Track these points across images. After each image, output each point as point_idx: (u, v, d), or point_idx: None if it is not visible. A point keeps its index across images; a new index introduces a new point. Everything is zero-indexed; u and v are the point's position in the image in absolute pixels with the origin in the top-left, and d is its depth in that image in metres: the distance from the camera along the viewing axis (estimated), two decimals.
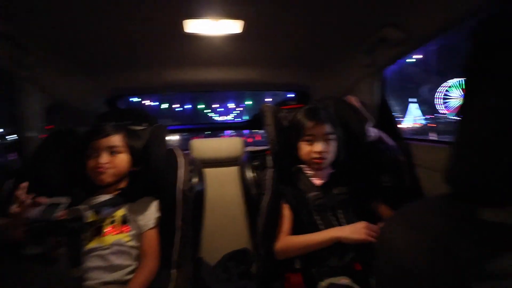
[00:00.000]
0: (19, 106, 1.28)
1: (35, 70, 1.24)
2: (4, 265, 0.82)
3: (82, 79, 1.53)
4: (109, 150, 1.07)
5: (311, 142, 1.14)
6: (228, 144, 1.77)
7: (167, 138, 1.22)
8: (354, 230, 0.97)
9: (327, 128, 1.14)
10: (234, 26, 1.16)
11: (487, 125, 0.42)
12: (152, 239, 1.06)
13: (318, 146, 1.12)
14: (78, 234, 0.97)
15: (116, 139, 1.09)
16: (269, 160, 1.34)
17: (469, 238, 0.41)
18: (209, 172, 1.65)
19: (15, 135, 1.31)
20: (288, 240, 1.08)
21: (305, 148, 1.15)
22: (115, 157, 1.08)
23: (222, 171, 1.75)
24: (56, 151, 1.14)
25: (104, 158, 1.05)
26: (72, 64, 1.39)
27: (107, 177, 1.05)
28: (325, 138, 1.14)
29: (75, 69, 1.44)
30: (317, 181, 1.18)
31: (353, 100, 1.49)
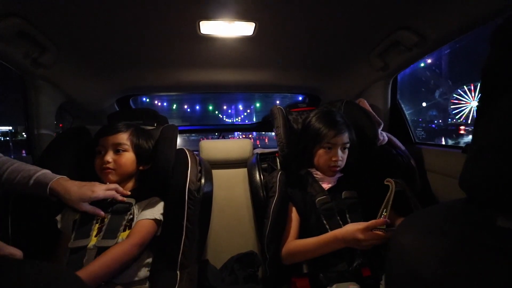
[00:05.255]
0: (32, 103, 1.30)
1: (50, 68, 1.25)
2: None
3: (95, 78, 1.54)
4: (114, 148, 1.08)
5: (329, 149, 1.14)
6: (237, 146, 1.76)
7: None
8: (352, 227, 0.94)
9: (347, 137, 1.14)
10: (247, 28, 1.16)
11: (505, 128, 0.40)
12: (142, 226, 1.01)
13: (337, 155, 1.13)
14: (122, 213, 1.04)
15: (123, 137, 1.10)
16: (278, 162, 1.32)
17: (485, 244, 0.40)
18: (217, 173, 1.65)
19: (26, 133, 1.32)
20: (294, 244, 1.07)
21: (323, 156, 1.15)
22: (120, 156, 1.08)
23: (231, 173, 1.74)
24: (68, 149, 1.15)
25: (109, 155, 1.06)
26: (86, 63, 1.40)
27: (113, 177, 1.06)
28: (343, 147, 1.14)
29: (88, 67, 1.45)
30: (325, 185, 1.17)
31: (364, 103, 1.48)
